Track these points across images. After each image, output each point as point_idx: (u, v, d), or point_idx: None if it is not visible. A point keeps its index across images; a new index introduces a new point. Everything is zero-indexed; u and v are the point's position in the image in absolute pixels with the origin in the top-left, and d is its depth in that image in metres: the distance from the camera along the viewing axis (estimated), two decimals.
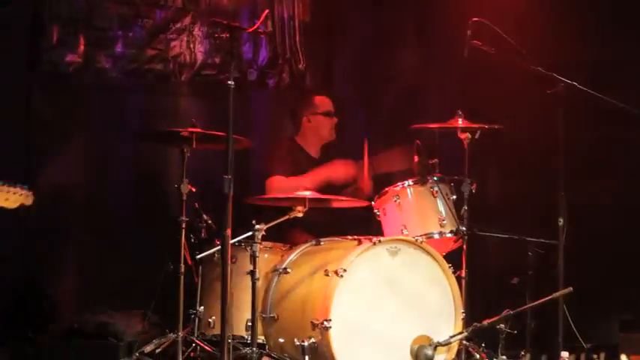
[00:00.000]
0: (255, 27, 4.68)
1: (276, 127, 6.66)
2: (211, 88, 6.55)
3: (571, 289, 4.92)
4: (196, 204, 5.47)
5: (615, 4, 6.53)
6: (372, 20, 7.05)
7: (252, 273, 5.04)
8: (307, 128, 6.23)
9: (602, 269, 6.45)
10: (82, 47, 6.42)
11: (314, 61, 7.01)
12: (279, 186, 5.89)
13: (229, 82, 4.49)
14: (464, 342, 5.21)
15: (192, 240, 5.51)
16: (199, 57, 6.69)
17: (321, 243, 5.36)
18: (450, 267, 5.19)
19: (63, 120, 6.33)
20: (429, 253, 5.17)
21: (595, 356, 2.50)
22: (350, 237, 5.31)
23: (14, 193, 4.44)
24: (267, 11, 4.72)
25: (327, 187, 5.85)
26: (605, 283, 6.40)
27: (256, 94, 6.84)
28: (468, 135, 5.45)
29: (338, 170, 6.03)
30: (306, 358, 4.97)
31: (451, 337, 5.00)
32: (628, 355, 2.52)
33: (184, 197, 5.31)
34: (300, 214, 5.25)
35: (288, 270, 5.27)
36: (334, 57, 7.13)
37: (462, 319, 5.15)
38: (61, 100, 6.34)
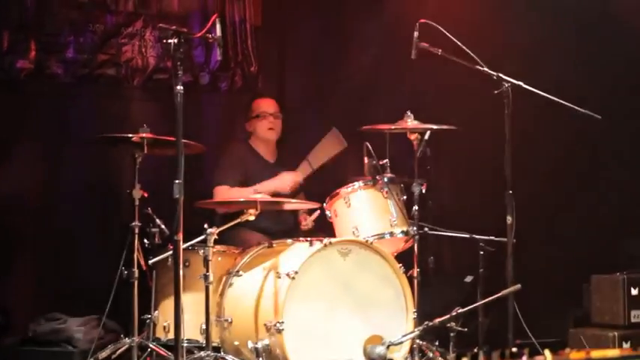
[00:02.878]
0: (203, 32, 4.67)
1: (230, 130, 6.67)
2: (164, 93, 6.46)
3: (519, 286, 4.98)
4: (149, 209, 5.47)
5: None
6: (323, 23, 7.08)
7: (206, 277, 5.07)
8: (251, 133, 6.32)
9: (556, 266, 6.53)
10: (33, 53, 6.36)
11: (266, 64, 7.03)
12: (224, 195, 5.93)
13: (178, 87, 4.50)
14: (417, 341, 5.26)
15: (147, 245, 5.51)
16: (151, 61, 6.66)
17: (274, 245, 5.40)
18: (400, 267, 5.25)
19: (14, 126, 6.29)
20: (379, 253, 5.23)
21: (522, 351, 2.54)
22: (302, 239, 5.36)
23: None
24: (215, 16, 4.70)
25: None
26: (559, 280, 6.48)
27: (209, 97, 6.84)
28: (418, 136, 5.50)
29: (284, 181, 6.08)
30: None
31: (403, 336, 5.05)
32: (554, 351, 2.56)
33: (136, 202, 5.31)
34: (252, 217, 5.29)
35: (241, 273, 5.31)
36: (286, 60, 7.15)
37: (414, 318, 5.21)
38: (12, 107, 6.29)
